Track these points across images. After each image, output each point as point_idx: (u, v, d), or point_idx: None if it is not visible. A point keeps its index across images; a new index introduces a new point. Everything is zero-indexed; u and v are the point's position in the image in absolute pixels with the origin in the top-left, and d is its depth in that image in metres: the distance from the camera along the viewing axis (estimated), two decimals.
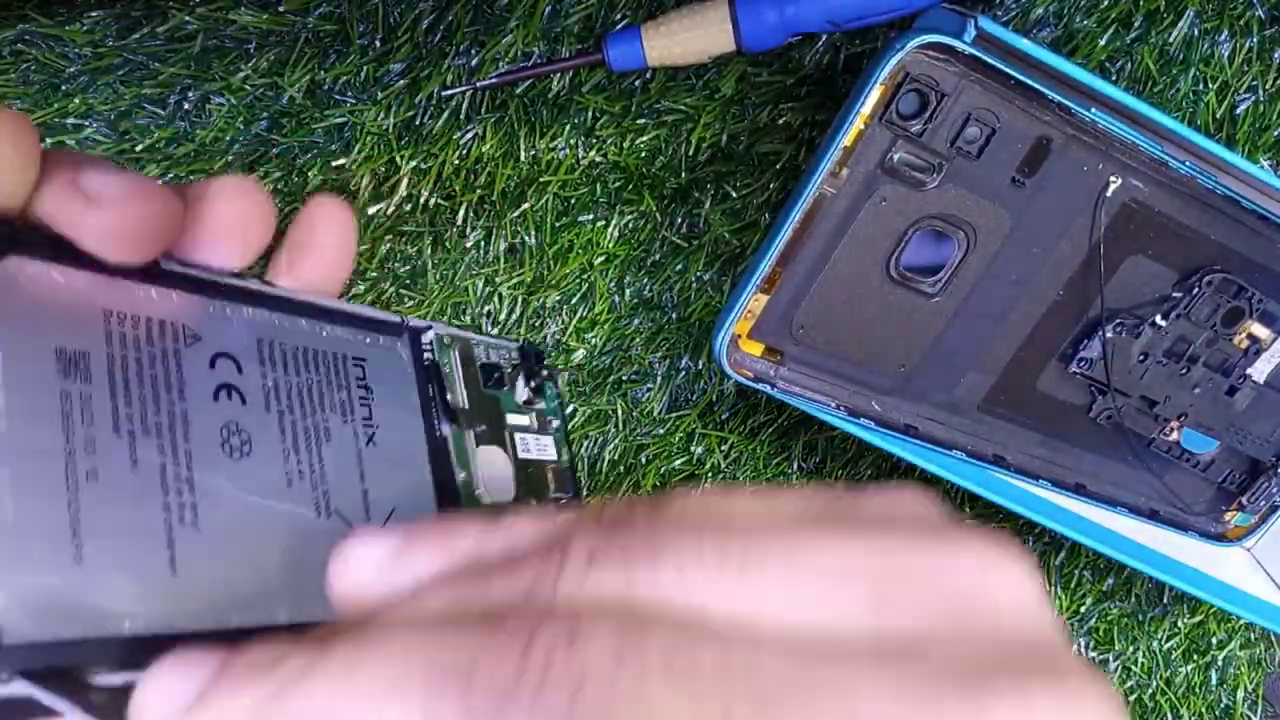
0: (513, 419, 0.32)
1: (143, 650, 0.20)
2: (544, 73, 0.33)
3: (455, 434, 0.30)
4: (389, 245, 0.35)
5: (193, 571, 0.22)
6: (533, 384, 0.33)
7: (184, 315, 0.24)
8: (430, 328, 0.31)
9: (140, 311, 0.24)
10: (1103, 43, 0.35)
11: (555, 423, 0.34)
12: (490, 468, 0.31)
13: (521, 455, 0.32)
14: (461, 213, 0.35)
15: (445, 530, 0.19)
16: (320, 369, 0.28)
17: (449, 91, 0.34)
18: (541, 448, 0.33)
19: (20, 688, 0.19)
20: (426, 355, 0.31)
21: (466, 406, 0.31)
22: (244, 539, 0.24)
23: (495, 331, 0.36)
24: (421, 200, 0.35)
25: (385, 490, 0.27)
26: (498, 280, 0.36)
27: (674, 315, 0.37)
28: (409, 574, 0.18)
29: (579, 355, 0.37)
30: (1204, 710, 0.45)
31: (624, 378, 0.37)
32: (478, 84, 0.33)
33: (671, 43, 0.32)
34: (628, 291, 0.37)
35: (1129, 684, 0.44)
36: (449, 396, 0.31)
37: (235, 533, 0.24)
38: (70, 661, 0.20)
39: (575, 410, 0.38)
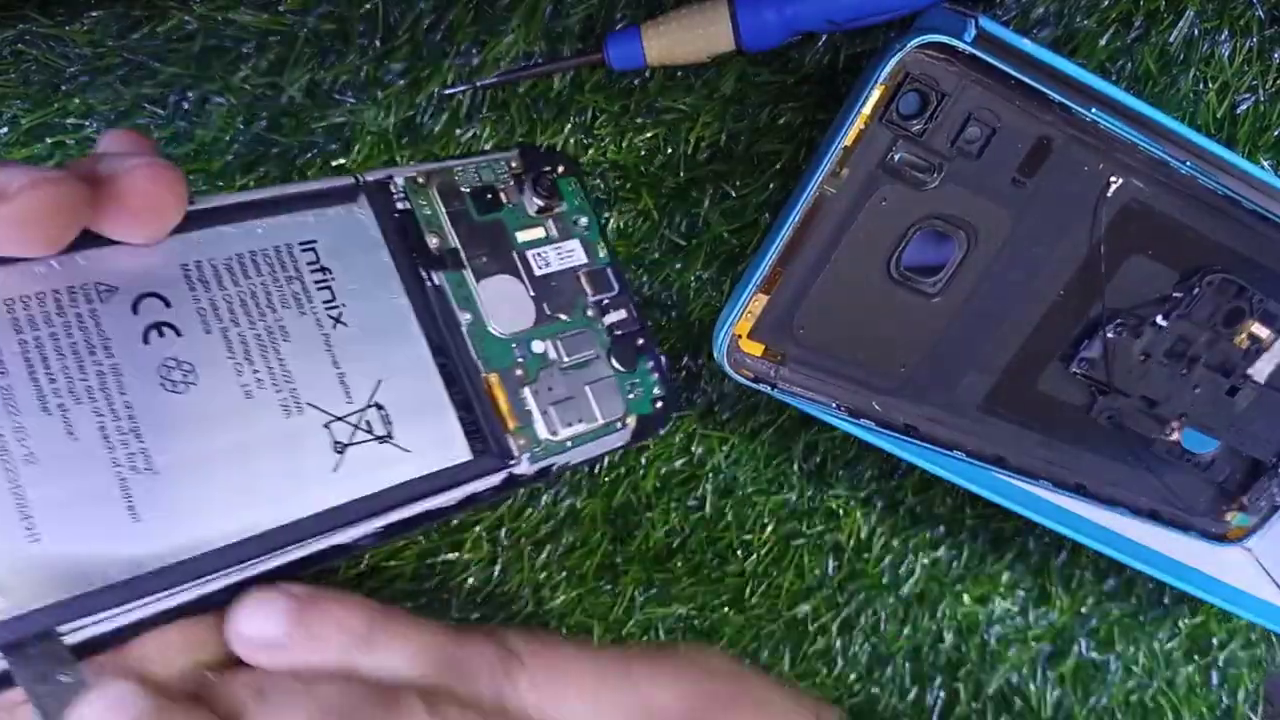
0: (524, 235, 0.30)
1: (122, 594, 0.22)
2: (544, 72, 0.33)
3: (451, 278, 0.28)
4: None
5: (157, 512, 0.23)
6: (542, 187, 0.30)
7: (92, 274, 0.24)
8: (391, 176, 0.28)
9: (44, 287, 0.23)
10: (1103, 43, 0.35)
11: (583, 221, 0.31)
12: (500, 299, 0.29)
13: (540, 272, 0.30)
14: None
15: (329, 619, 0.26)
16: (261, 270, 0.26)
17: (450, 90, 0.34)
18: (565, 255, 0.30)
19: None
20: (398, 206, 0.28)
21: (457, 244, 0.29)
22: (209, 464, 0.24)
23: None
24: None
25: (367, 365, 0.26)
26: None
27: (673, 314, 0.37)
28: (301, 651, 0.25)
29: None
30: (1205, 711, 0.45)
31: None
32: (479, 83, 0.33)
33: (671, 42, 0.32)
34: None
35: (1130, 684, 0.44)
36: (432, 241, 0.28)
37: (198, 462, 0.24)
38: (48, 626, 0.21)
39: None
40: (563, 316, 0.30)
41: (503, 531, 0.38)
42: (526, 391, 0.29)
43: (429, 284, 0.28)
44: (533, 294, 0.29)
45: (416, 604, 0.38)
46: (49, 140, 0.33)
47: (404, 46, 0.33)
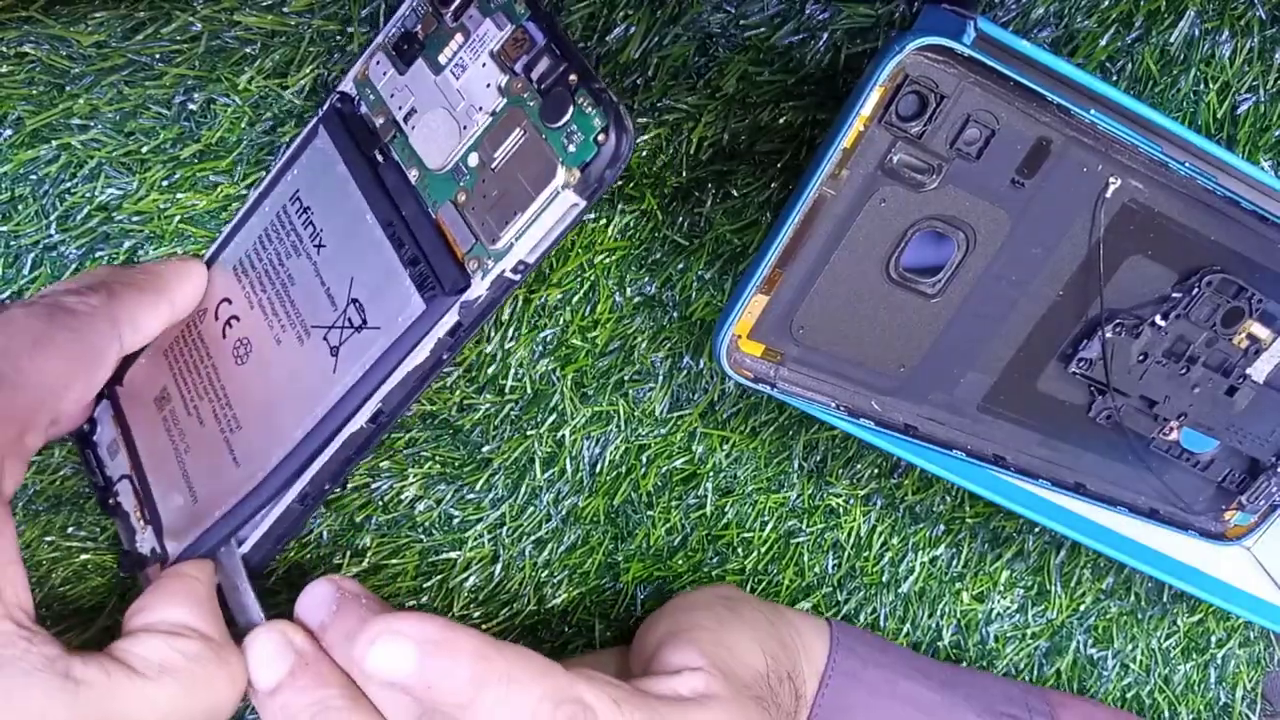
0: (444, 54, 0.29)
1: (245, 509, 0.31)
2: None
3: (397, 144, 0.30)
4: None
5: (248, 454, 0.31)
6: None
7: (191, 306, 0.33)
8: (344, 91, 0.31)
9: (175, 334, 0.33)
10: (1103, 43, 0.35)
11: None
12: (432, 136, 0.29)
13: (459, 84, 0.29)
14: None
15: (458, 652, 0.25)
16: (273, 239, 0.31)
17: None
18: (477, 46, 0.29)
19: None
20: (358, 111, 0.31)
21: (394, 113, 0.30)
22: (265, 405, 0.31)
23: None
24: None
25: (342, 270, 0.30)
26: None
27: (675, 314, 0.37)
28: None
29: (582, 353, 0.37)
30: (1202, 708, 0.45)
31: (626, 378, 0.37)
32: None
33: None
34: (629, 290, 0.37)
35: (1127, 681, 0.44)
36: (377, 121, 0.31)
37: (259, 406, 0.31)
38: (216, 542, 0.31)
39: (577, 409, 0.38)
40: (484, 112, 0.28)
41: (504, 530, 0.38)
42: (469, 211, 0.28)
43: (380, 164, 0.30)
44: (455, 111, 0.29)
45: (418, 602, 0.38)
46: (54, 142, 0.34)
47: None
